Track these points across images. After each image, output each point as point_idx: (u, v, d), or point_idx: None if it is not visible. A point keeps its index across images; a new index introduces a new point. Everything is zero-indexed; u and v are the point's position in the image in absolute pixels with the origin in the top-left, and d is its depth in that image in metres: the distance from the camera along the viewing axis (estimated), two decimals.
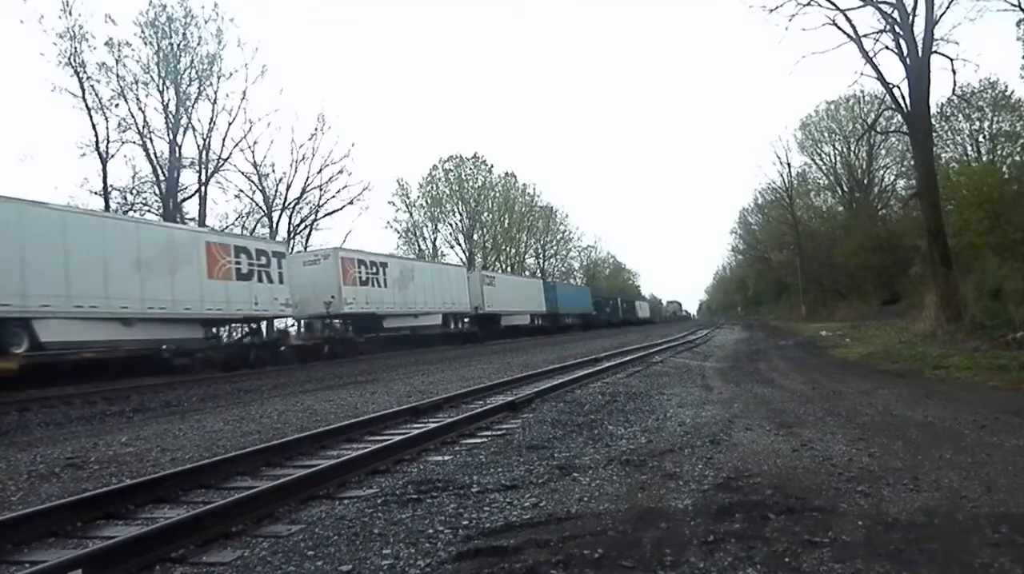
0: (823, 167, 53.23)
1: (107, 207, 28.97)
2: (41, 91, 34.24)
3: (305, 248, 37.81)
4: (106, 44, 28.31)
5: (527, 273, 57.19)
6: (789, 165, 54.94)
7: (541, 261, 64.89)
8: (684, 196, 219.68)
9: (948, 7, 17.45)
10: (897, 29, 17.60)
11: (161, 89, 30.62)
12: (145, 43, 29.80)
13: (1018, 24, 21.86)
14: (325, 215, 38.11)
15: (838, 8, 18.15)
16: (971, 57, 29.95)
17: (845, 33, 18.28)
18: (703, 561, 2.74)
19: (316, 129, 36.66)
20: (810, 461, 4.47)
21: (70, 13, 27.11)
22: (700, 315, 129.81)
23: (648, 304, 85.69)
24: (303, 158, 38.00)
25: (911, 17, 17.34)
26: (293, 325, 23.10)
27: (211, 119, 32.64)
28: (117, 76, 28.83)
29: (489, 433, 6.16)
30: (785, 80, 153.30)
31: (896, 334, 18.32)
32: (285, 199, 36.91)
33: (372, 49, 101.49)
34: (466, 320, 30.75)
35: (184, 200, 32.38)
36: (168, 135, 31.12)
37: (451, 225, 56.15)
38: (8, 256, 11.93)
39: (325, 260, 21.71)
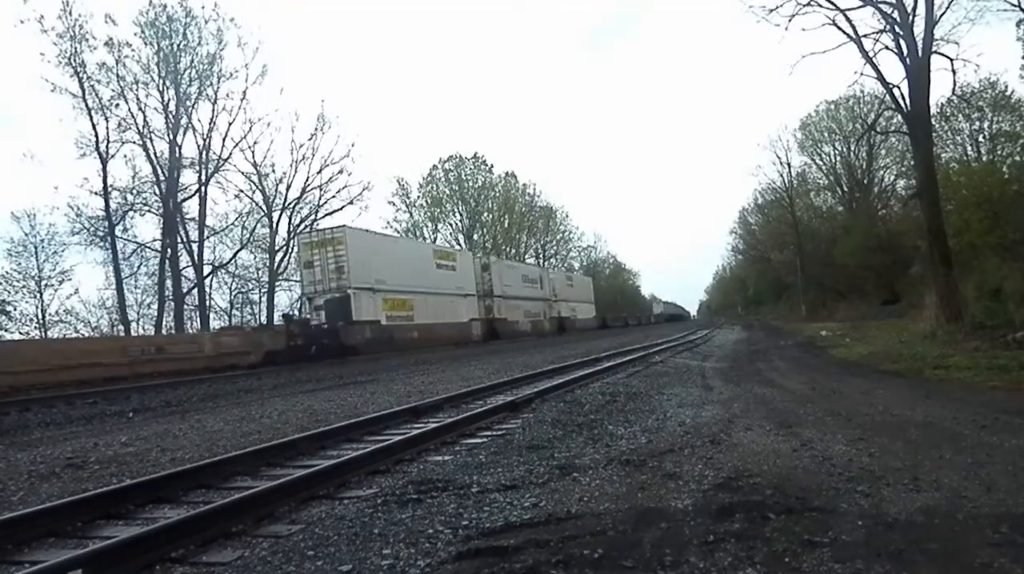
0: (823, 167, 53.32)
1: (107, 207, 28.98)
2: (41, 91, 34.25)
3: None
4: (106, 44, 28.42)
5: None
6: (789, 165, 55.05)
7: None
8: (684, 196, 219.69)
9: (948, 7, 17.50)
10: (897, 29, 17.61)
11: (161, 89, 30.70)
12: (145, 43, 29.90)
13: (1018, 24, 21.89)
14: (325, 215, 38.16)
15: (838, 8, 18.18)
16: (971, 57, 29.91)
17: (845, 33, 18.31)
18: (703, 561, 2.74)
19: (316, 129, 36.81)
20: (810, 461, 4.47)
21: (70, 13, 27.18)
22: (700, 315, 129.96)
23: None
24: (303, 158, 38.11)
25: (911, 17, 17.35)
26: None
27: (211, 119, 32.77)
28: (117, 76, 28.92)
29: (489, 433, 6.15)
30: (785, 80, 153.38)
31: (896, 334, 18.30)
32: (285, 199, 37.03)
33: (372, 49, 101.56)
34: None
35: (184, 200, 32.48)
36: (168, 135, 31.21)
37: (451, 225, 56.33)
38: None
39: None
